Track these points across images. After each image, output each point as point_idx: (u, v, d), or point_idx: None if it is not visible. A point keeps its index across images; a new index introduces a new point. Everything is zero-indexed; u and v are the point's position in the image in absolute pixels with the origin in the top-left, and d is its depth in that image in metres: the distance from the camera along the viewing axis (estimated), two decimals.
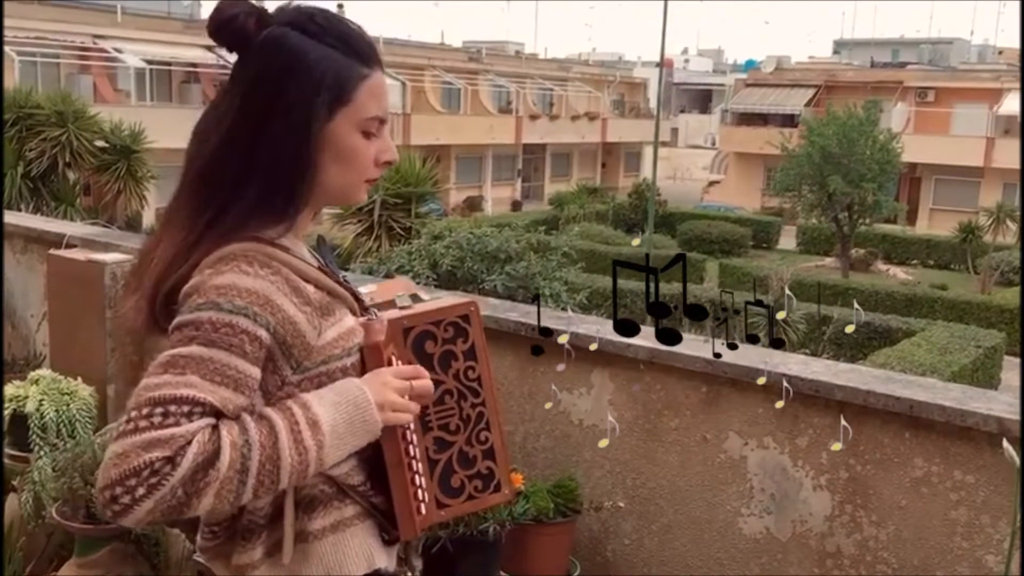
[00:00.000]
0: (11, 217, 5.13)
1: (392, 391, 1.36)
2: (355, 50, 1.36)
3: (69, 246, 4.18)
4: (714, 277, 22.76)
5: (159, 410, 1.19)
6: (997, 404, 2.48)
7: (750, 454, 2.83)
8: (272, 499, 1.34)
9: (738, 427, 2.85)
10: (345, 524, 1.39)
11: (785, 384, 2.66)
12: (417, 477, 1.43)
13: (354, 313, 1.43)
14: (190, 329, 1.25)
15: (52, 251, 4.07)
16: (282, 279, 1.30)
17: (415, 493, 1.42)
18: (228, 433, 1.22)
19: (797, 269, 19.66)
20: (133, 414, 1.20)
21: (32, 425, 3.26)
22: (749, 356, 2.86)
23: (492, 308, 3.34)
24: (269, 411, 1.29)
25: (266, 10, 1.36)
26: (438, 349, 1.46)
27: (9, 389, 3.44)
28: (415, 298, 1.54)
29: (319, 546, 1.37)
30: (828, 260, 27.53)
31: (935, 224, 33.67)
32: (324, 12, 1.38)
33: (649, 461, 3.02)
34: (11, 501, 3.28)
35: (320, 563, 1.37)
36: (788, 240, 31.13)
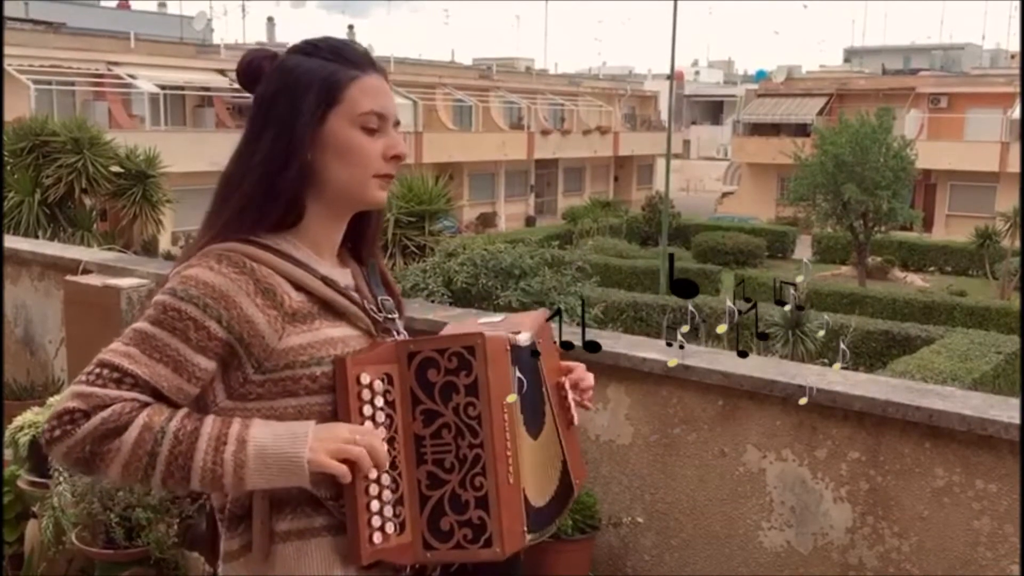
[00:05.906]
0: (27, 244, 5.17)
1: (338, 440, 1.34)
2: (344, 57, 1.45)
3: (85, 272, 4.21)
4: (729, 289, 22.69)
5: (96, 370, 1.32)
6: (1019, 412, 2.45)
7: (769, 467, 2.81)
8: (249, 492, 1.39)
9: (756, 440, 2.83)
10: (312, 533, 1.40)
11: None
12: (376, 503, 1.37)
13: (365, 329, 1.46)
14: (149, 309, 1.37)
15: (68, 277, 4.10)
16: (249, 279, 1.36)
17: (370, 520, 1.36)
18: (149, 416, 1.30)
19: (814, 278, 19.54)
20: (85, 369, 1.33)
21: None
22: (766, 368, 2.85)
23: None
24: (209, 416, 1.35)
25: (281, 52, 1.50)
26: (440, 379, 1.39)
27: (28, 415, 3.46)
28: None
29: (282, 549, 1.39)
30: (845, 268, 27.39)
31: (952, 230, 33.47)
32: (323, 37, 1.49)
33: (667, 476, 3.01)
34: (31, 527, 3.30)
35: (282, 566, 1.39)
36: (804, 250, 31.02)
